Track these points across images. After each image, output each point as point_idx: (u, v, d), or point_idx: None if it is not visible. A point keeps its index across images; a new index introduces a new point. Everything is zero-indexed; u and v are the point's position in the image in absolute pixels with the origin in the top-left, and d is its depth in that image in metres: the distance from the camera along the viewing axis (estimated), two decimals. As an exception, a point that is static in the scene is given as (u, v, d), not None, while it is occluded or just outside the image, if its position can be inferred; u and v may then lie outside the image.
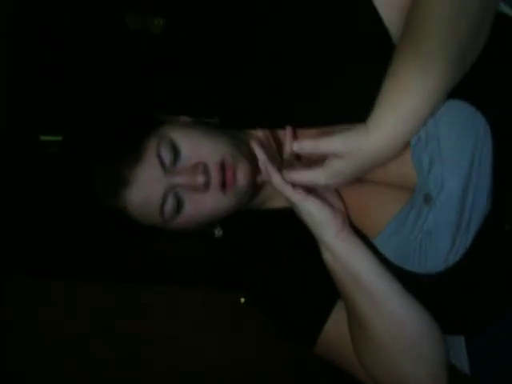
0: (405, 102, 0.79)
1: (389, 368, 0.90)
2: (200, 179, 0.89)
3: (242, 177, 0.92)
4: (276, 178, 0.88)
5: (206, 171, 0.89)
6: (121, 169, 0.89)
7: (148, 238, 1.09)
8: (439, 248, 0.86)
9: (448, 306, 0.92)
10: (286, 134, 0.95)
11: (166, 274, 2.16)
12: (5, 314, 2.18)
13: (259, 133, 0.97)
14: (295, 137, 0.95)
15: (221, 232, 1.02)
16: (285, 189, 0.87)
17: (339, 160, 0.83)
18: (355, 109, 0.84)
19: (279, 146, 0.99)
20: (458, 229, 0.85)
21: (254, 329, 1.99)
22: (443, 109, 0.82)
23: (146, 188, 0.90)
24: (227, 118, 1.04)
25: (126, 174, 0.89)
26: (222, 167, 0.90)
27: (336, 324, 0.95)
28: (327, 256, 0.90)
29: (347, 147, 0.82)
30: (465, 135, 0.83)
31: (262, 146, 0.92)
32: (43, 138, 2.13)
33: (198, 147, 0.91)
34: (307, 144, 0.85)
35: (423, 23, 0.79)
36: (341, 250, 0.89)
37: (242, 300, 1.98)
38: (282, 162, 0.96)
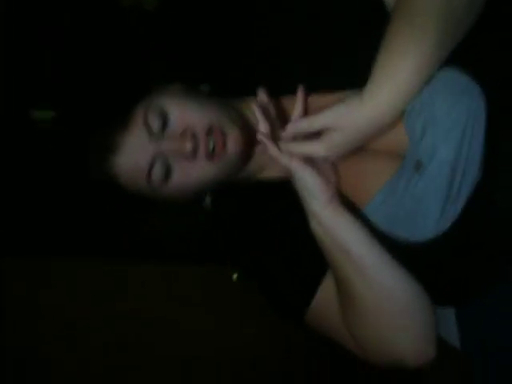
0: (399, 72, 0.80)
1: (377, 338, 0.90)
2: (188, 146, 0.89)
3: (232, 145, 0.91)
4: (272, 147, 0.88)
5: (194, 138, 0.89)
6: (108, 136, 0.90)
7: (140, 215, 1.09)
8: (428, 215, 0.86)
9: (438, 275, 0.92)
10: (288, 99, 0.95)
11: (159, 252, 2.15)
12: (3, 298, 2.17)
13: (260, 97, 0.96)
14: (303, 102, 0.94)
15: (209, 201, 1.01)
16: (281, 157, 0.87)
17: (336, 132, 0.84)
18: (354, 75, 0.85)
19: (279, 112, 0.98)
20: (448, 197, 0.84)
21: (251, 307, 2.00)
22: (438, 77, 0.83)
23: (134, 154, 0.90)
24: (222, 85, 1.03)
25: (114, 140, 0.90)
26: (211, 134, 0.90)
27: (326, 295, 0.95)
28: (316, 226, 0.90)
29: (341, 120, 0.83)
30: (458, 104, 0.83)
31: (263, 111, 0.92)
32: (35, 113, 2.12)
33: (186, 113, 0.91)
34: (302, 123, 0.86)
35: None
36: (328, 221, 0.89)
37: (235, 276, 1.97)
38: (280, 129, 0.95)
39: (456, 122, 0.83)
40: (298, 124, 0.87)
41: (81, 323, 2.19)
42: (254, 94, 0.97)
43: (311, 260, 0.96)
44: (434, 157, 0.84)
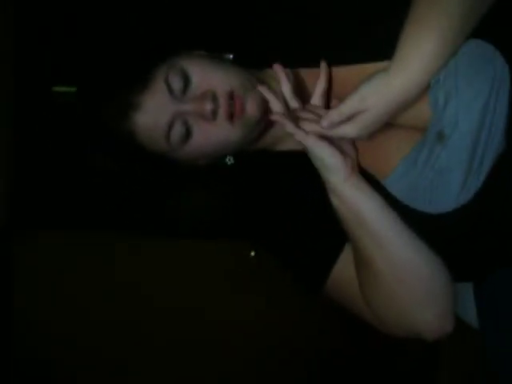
0: (425, 44, 0.78)
1: (395, 309, 0.90)
2: (208, 106, 0.89)
3: (251, 108, 0.91)
4: (288, 124, 0.88)
5: (214, 99, 0.90)
6: (130, 94, 0.91)
7: (155, 188, 1.09)
8: (450, 187, 0.85)
9: (457, 248, 0.91)
10: (310, 72, 0.95)
11: (174, 227, 2.15)
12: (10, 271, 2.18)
13: (277, 71, 0.96)
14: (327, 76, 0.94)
15: (232, 160, 1.01)
16: (297, 133, 0.87)
17: (367, 113, 0.83)
18: (379, 48, 0.85)
19: (300, 85, 0.98)
20: (470, 168, 0.84)
21: (266, 284, 2.01)
22: (462, 47, 0.82)
23: (154, 113, 0.91)
24: (244, 55, 1.02)
25: (135, 98, 0.91)
26: (231, 96, 0.90)
27: (345, 265, 0.95)
28: (335, 200, 0.90)
29: (370, 100, 0.82)
30: (482, 74, 0.82)
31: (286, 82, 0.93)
32: (55, 88, 2.13)
33: (208, 75, 0.92)
34: (332, 116, 0.85)
35: None
36: (348, 195, 0.89)
37: (253, 253, 1.97)
38: (304, 101, 0.95)
39: (479, 92, 0.82)
40: (329, 118, 0.85)
41: (85, 299, 2.20)
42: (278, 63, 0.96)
43: (330, 231, 0.96)
44: (457, 127, 0.83)
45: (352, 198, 0.89)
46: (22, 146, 2.08)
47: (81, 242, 2.18)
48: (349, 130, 0.85)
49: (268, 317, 2.15)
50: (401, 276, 0.89)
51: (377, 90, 0.82)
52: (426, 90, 0.84)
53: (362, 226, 0.89)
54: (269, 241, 1.04)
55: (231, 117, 0.91)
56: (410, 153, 0.89)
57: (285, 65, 0.97)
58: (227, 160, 1.01)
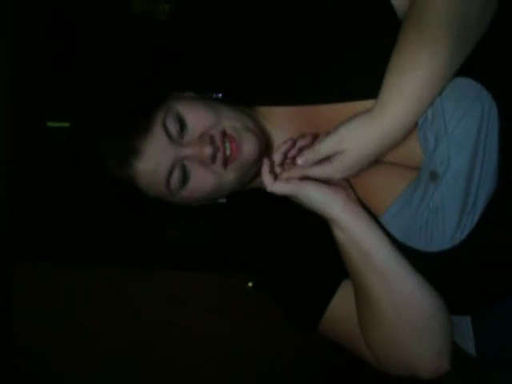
0: (411, 83, 0.79)
1: (394, 346, 0.91)
2: (207, 150, 0.90)
3: (247, 149, 0.92)
4: (267, 181, 0.89)
5: (212, 142, 0.91)
6: (130, 140, 0.91)
7: (156, 223, 1.10)
8: (446, 225, 0.85)
9: (454, 284, 0.92)
10: (299, 111, 0.96)
11: (174, 259, 2.16)
12: (13, 301, 2.18)
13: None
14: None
15: (224, 200, 1.02)
16: (274, 187, 0.89)
17: (346, 154, 0.83)
18: (363, 84, 0.85)
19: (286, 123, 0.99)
20: (465, 206, 0.84)
21: (264, 315, 2.01)
22: (449, 86, 0.82)
23: (155, 158, 0.91)
24: (234, 94, 1.04)
25: (135, 144, 0.91)
26: (227, 138, 0.91)
27: (341, 303, 0.96)
28: (337, 231, 0.90)
29: (349, 142, 0.83)
30: (470, 112, 0.82)
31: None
32: (50, 124, 2.14)
33: (202, 118, 0.93)
34: (308, 154, 0.86)
35: (427, 1, 0.79)
36: (348, 223, 0.89)
37: (250, 284, 1.98)
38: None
39: (469, 130, 0.83)
40: (305, 157, 0.86)
41: (93, 327, 2.20)
42: (264, 103, 0.98)
43: (326, 269, 0.96)
44: (449, 166, 0.84)
45: (352, 224, 0.89)
46: (21, 182, 2.09)
47: (79, 277, 2.19)
48: (327, 171, 0.86)
49: (266, 345, 2.16)
50: (401, 310, 0.89)
51: (356, 133, 0.82)
52: (414, 128, 0.84)
53: (364, 256, 0.89)
54: (263, 276, 1.04)
55: (226, 162, 0.92)
56: (404, 192, 0.89)
57: (271, 102, 0.98)
58: (220, 200, 1.02)
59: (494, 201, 0.84)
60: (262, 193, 1.01)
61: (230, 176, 0.93)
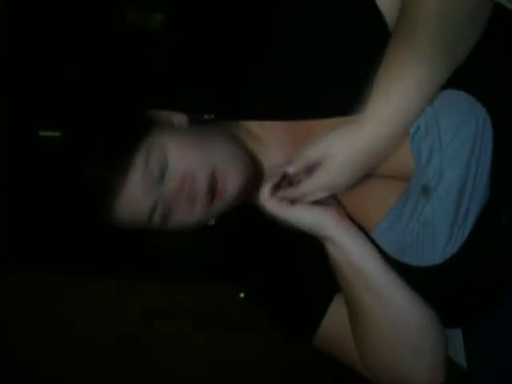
0: (398, 94, 0.79)
1: (388, 360, 0.91)
2: (187, 192, 0.88)
3: (231, 186, 0.89)
4: (265, 190, 0.89)
5: (193, 182, 0.88)
6: (110, 180, 0.87)
7: (145, 236, 1.08)
8: (437, 240, 0.85)
9: (445, 297, 0.92)
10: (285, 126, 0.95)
11: (163, 271, 2.15)
12: (5, 314, 2.16)
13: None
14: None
15: (213, 221, 0.99)
16: (268, 202, 0.89)
17: (332, 159, 0.83)
18: (351, 99, 0.83)
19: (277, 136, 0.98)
20: (456, 220, 0.84)
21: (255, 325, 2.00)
22: (442, 99, 0.82)
23: (135, 199, 0.88)
24: (223, 109, 1.02)
25: (115, 184, 0.87)
26: (211, 178, 0.89)
27: (336, 316, 0.96)
28: (331, 250, 0.90)
29: (335, 147, 0.83)
30: (465, 126, 0.82)
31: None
32: (42, 133, 2.13)
33: (187, 158, 0.89)
34: (297, 164, 0.86)
35: (416, 12, 0.79)
36: (343, 241, 0.89)
37: (242, 295, 1.97)
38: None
39: (463, 144, 0.82)
40: (292, 167, 0.87)
41: (92, 337, 2.18)
42: (252, 117, 0.97)
43: (320, 282, 0.96)
44: (442, 181, 0.84)
45: (347, 244, 0.89)
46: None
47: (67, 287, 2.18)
48: (318, 180, 0.85)
49: (258, 357, 2.15)
50: (394, 324, 0.89)
51: (343, 138, 0.82)
52: (406, 138, 0.84)
53: (357, 273, 0.89)
54: (256, 293, 1.03)
55: (211, 200, 0.89)
56: (395, 205, 0.88)
57: (258, 116, 0.97)
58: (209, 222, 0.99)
59: (484, 214, 0.84)
60: (252, 207, 1.00)
61: (215, 209, 0.90)
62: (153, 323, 2.18)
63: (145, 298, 2.19)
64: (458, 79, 0.82)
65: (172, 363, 2.17)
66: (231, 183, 0.89)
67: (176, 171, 0.88)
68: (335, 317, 0.96)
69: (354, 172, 0.85)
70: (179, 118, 0.97)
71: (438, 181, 0.84)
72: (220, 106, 1.03)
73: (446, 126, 0.83)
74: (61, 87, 2.15)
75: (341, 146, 0.83)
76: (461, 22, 0.79)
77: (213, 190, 0.88)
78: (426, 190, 0.85)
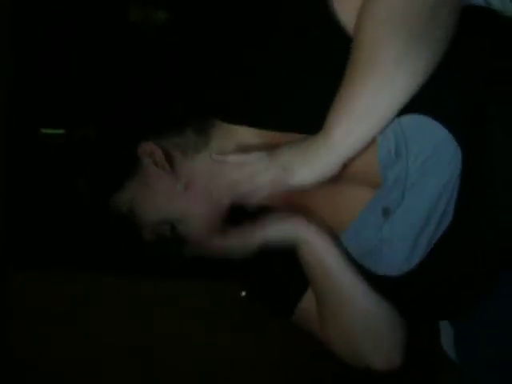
0: (358, 102, 0.78)
1: (349, 348, 0.98)
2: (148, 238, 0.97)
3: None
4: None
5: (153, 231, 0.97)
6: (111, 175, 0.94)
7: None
8: (394, 257, 0.87)
9: (411, 301, 0.94)
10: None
11: (163, 268, 2.14)
12: (5, 314, 2.18)
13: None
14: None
15: None
16: (240, 246, 0.94)
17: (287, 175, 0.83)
18: (315, 118, 0.82)
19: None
20: (416, 243, 0.85)
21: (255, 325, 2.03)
22: (415, 127, 0.81)
23: None
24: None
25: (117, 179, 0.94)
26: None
27: (309, 301, 1.01)
28: (301, 253, 0.94)
29: (291, 164, 0.83)
30: (434, 159, 0.81)
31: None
32: (44, 131, 2.14)
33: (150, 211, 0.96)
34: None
35: (372, 25, 0.78)
36: (313, 246, 0.92)
37: (243, 293, 1.95)
38: None
39: (430, 178, 0.82)
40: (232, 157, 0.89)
41: (92, 337, 2.18)
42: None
43: (297, 275, 0.99)
44: (402, 206, 0.84)
45: (317, 248, 0.92)
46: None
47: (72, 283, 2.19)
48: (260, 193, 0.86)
49: (258, 357, 2.16)
50: (354, 317, 0.95)
51: (299, 152, 0.82)
52: (375, 144, 0.82)
53: (326, 274, 0.93)
54: (247, 278, 1.10)
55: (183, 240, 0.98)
56: (360, 215, 0.89)
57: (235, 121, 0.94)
58: None
59: (447, 237, 0.84)
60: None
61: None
62: (153, 323, 2.18)
63: (145, 297, 2.20)
64: (429, 106, 0.80)
65: (172, 363, 2.17)
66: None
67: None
68: (309, 301, 1.01)
69: (315, 183, 0.84)
70: (174, 143, 0.96)
71: (398, 206, 0.84)
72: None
73: (415, 155, 0.81)
74: (63, 85, 2.16)
75: (298, 162, 0.82)
76: (426, 36, 0.77)
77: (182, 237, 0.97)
78: (386, 212, 0.86)
